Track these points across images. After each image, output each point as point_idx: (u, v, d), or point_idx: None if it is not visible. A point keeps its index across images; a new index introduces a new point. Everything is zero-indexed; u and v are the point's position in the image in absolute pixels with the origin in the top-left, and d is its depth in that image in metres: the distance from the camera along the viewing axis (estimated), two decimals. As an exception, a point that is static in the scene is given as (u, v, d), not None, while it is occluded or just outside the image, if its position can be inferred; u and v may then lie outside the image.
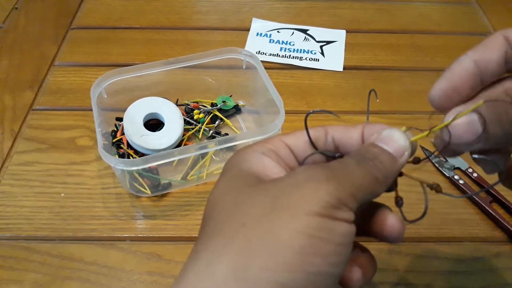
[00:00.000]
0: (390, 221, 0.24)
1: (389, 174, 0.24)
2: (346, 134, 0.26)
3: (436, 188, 0.25)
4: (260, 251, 0.19)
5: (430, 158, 0.24)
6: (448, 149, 0.25)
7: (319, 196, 0.21)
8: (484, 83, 0.26)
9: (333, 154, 0.26)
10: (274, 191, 0.22)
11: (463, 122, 0.24)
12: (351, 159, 0.23)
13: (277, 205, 0.21)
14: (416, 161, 0.26)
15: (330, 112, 0.28)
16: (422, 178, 0.25)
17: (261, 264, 0.19)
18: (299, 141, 0.25)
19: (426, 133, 0.25)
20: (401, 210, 0.26)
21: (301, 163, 0.26)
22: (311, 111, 0.25)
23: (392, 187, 0.25)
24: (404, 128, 0.25)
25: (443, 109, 0.26)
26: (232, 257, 0.20)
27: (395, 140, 0.24)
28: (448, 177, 0.50)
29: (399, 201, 0.25)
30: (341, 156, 0.25)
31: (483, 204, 0.47)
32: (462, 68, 0.26)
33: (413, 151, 0.25)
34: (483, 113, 0.24)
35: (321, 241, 0.20)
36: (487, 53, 0.26)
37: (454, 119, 0.24)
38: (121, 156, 0.50)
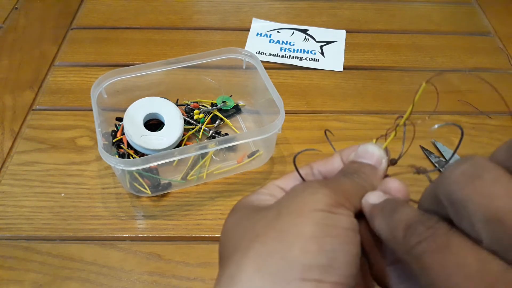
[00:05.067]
0: (393, 184, 0.25)
1: (374, 181, 0.26)
2: (329, 164, 0.28)
3: (419, 170, 0.26)
4: (277, 247, 0.21)
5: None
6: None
7: (318, 198, 0.23)
8: None
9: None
10: (277, 204, 0.24)
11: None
12: (339, 174, 0.26)
13: (283, 211, 0.23)
14: (394, 162, 0.28)
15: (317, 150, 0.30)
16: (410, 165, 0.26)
17: (281, 256, 0.21)
18: (289, 181, 0.28)
19: (392, 134, 0.27)
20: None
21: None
22: (298, 152, 0.27)
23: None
24: (374, 140, 0.28)
25: None
26: (252, 262, 0.21)
27: (370, 152, 0.27)
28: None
29: (394, 162, 0.27)
30: None
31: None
32: None
33: (388, 156, 0.27)
34: None
35: (329, 227, 0.22)
36: None
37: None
38: (121, 156, 0.50)
